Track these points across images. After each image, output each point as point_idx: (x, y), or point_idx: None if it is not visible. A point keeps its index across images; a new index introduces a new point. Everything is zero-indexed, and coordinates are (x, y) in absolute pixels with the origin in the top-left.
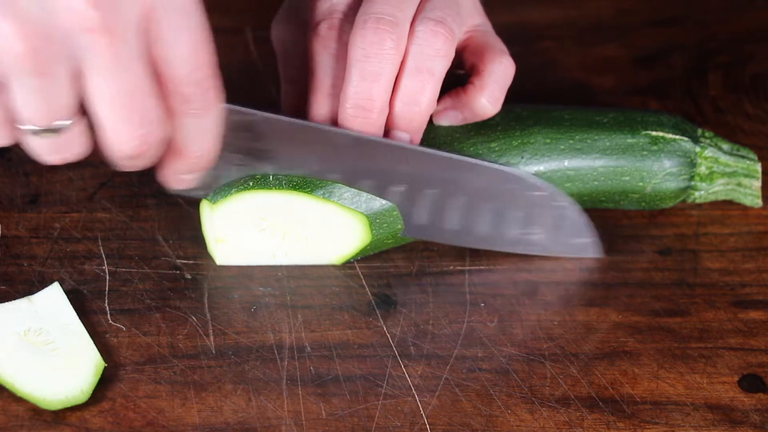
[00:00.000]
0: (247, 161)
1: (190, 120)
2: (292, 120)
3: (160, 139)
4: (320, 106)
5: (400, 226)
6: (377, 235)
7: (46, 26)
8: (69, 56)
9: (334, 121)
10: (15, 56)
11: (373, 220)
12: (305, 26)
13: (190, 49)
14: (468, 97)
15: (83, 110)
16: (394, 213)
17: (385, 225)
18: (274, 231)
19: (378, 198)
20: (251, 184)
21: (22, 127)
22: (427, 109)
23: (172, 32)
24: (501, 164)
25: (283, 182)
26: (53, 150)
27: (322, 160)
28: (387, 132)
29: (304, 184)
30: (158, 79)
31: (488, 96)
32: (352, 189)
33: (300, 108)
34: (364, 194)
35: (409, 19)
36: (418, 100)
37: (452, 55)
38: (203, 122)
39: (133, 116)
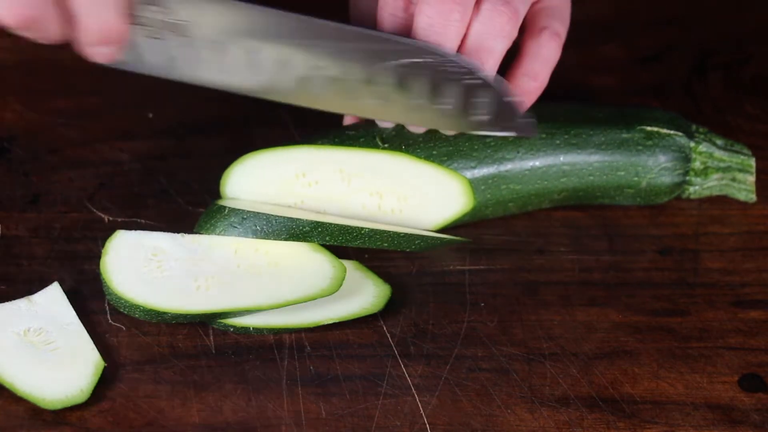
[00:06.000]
0: (163, 35)
1: None
2: None
3: (48, 12)
4: None
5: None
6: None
7: None
8: None
9: None
10: None
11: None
12: None
13: None
14: (509, 75)
15: None
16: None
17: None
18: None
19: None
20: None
21: None
22: None
23: None
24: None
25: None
26: None
27: (235, 33)
28: None
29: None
30: None
31: (528, 72)
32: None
33: None
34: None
35: None
36: None
37: (514, 35)
38: None
39: None
